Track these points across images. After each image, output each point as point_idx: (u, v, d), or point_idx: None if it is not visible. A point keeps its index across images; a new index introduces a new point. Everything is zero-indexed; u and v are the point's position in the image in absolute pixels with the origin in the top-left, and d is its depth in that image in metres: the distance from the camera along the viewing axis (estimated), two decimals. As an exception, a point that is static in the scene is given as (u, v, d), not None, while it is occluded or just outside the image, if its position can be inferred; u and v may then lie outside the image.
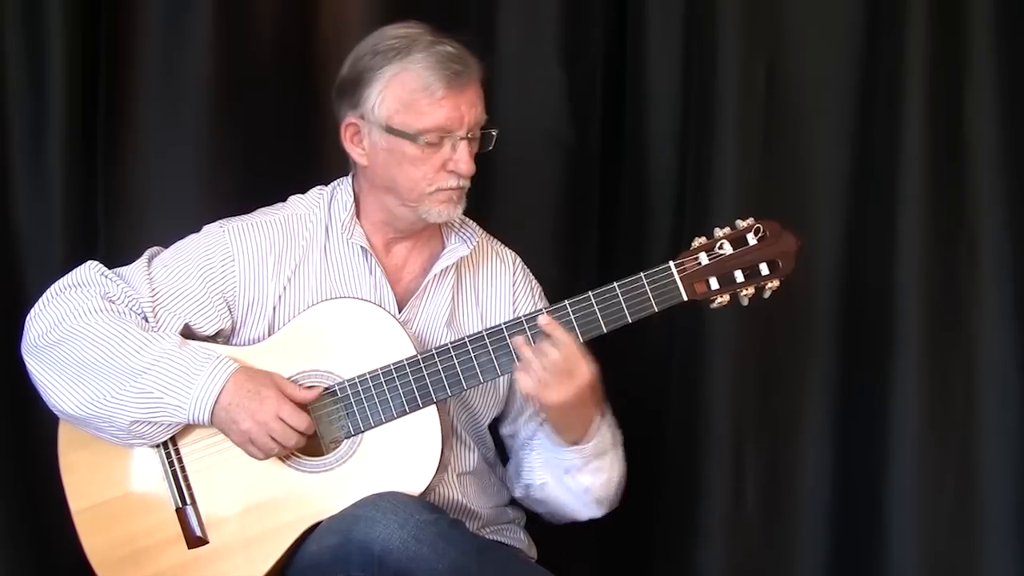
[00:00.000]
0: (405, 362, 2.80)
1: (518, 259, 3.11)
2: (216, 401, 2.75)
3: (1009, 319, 3.43)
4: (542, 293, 3.11)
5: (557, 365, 2.75)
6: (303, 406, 2.78)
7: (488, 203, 3.47)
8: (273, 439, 2.76)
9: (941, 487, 3.43)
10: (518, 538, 3.09)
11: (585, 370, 2.77)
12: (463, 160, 2.83)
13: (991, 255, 3.43)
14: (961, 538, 3.44)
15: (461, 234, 3.02)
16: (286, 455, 2.81)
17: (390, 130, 2.84)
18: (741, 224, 2.82)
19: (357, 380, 2.81)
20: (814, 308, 3.49)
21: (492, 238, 3.11)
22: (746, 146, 3.44)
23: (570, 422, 2.84)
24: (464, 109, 2.82)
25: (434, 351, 2.81)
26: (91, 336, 2.79)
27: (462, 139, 2.83)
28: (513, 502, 3.11)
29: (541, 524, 3.14)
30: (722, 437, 3.46)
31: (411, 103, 2.82)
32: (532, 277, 3.11)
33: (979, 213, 3.43)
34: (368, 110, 2.86)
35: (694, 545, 3.46)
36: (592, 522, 3.24)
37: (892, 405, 3.41)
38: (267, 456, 2.79)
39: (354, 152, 2.92)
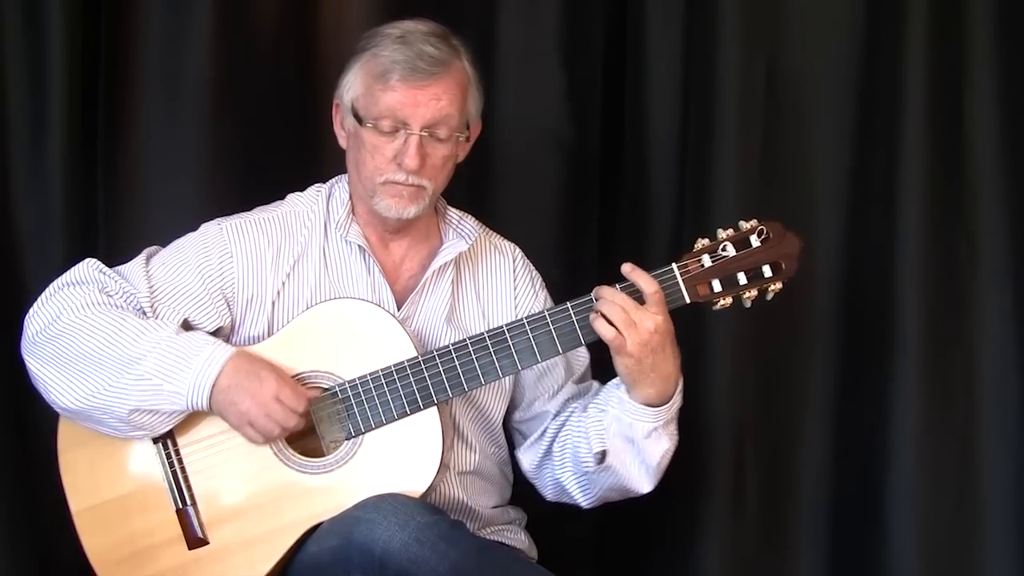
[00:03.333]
0: (406, 363, 2.80)
1: (518, 250, 3.10)
2: (214, 383, 2.74)
3: (1009, 319, 3.44)
4: (543, 284, 3.11)
5: (635, 308, 2.74)
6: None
7: (488, 203, 3.48)
8: (272, 420, 2.75)
9: (941, 487, 3.44)
10: (519, 538, 3.08)
11: (662, 319, 2.76)
12: (408, 154, 2.81)
13: (991, 255, 3.44)
14: (961, 538, 3.45)
15: (459, 230, 3.01)
16: (285, 455, 2.81)
17: (354, 113, 2.86)
18: (744, 225, 2.81)
19: (358, 381, 2.80)
20: (814, 307, 3.49)
21: (491, 232, 3.10)
22: (746, 146, 3.45)
23: (658, 372, 2.80)
24: (422, 101, 2.81)
25: (435, 352, 2.80)
26: (88, 328, 2.79)
27: (412, 134, 2.81)
28: (514, 502, 3.11)
29: (542, 525, 3.14)
30: (722, 437, 3.47)
31: (369, 87, 2.84)
32: (532, 268, 3.11)
33: (979, 213, 3.45)
34: (343, 93, 2.90)
35: (694, 545, 3.46)
36: (592, 522, 3.25)
37: (892, 405, 3.42)
38: (266, 440, 2.78)
39: (338, 134, 2.95)
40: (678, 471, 3.35)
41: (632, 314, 2.74)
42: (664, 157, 3.54)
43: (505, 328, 2.81)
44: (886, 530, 3.42)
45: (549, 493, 3.07)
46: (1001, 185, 3.43)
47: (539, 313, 2.81)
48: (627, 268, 2.78)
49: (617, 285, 2.79)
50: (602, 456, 2.90)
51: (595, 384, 3.05)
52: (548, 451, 3.02)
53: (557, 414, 3.03)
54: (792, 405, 3.52)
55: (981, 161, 3.43)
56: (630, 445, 2.87)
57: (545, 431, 3.03)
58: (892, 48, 3.42)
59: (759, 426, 3.49)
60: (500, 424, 3.06)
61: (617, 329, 2.74)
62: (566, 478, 2.99)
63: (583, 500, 3.00)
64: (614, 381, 2.91)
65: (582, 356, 3.07)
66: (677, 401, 2.88)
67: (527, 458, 3.04)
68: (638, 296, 2.77)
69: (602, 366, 2.96)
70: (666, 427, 2.88)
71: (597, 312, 2.77)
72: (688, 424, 3.30)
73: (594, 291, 2.80)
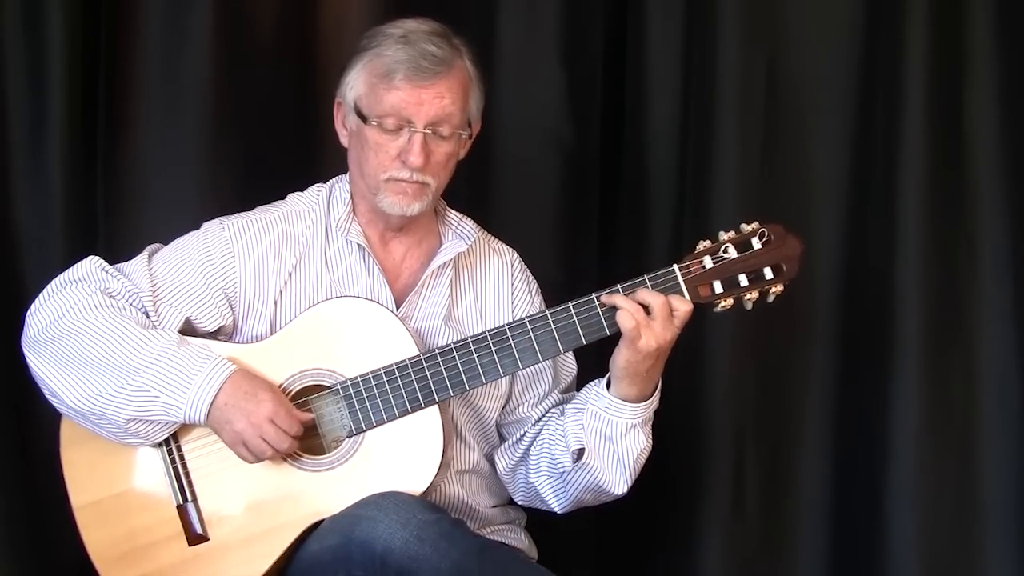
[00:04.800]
0: (408, 361, 2.79)
1: (516, 255, 3.11)
2: (213, 402, 2.75)
3: (1009, 319, 3.44)
4: (539, 290, 3.11)
5: (660, 309, 2.75)
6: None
7: (488, 203, 3.49)
8: (265, 442, 2.76)
9: (941, 487, 3.44)
10: (519, 538, 3.08)
11: (678, 333, 2.79)
12: (413, 152, 2.82)
13: (991, 255, 3.44)
14: (961, 538, 3.45)
15: (458, 231, 3.02)
16: (287, 454, 2.81)
17: (357, 112, 2.87)
18: (746, 228, 2.81)
19: (360, 379, 2.80)
20: (814, 307, 3.49)
21: (489, 235, 3.10)
22: (746, 146, 3.45)
23: (649, 374, 2.82)
24: (426, 100, 2.82)
25: (436, 351, 2.80)
26: (91, 332, 2.79)
27: (416, 132, 2.82)
28: (513, 502, 3.11)
29: (542, 525, 3.14)
30: (722, 437, 3.47)
31: (373, 86, 2.84)
32: (529, 274, 3.11)
33: (979, 213, 3.45)
34: (346, 91, 2.91)
35: (694, 545, 3.47)
36: (592, 522, 3.24)
37: (892, 405, 3.42)
38: (257, 459, 2.79)
39: (340, 132, 2.96)
40: (678, 470, 3.37)
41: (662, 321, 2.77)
42: (664, 157, 3.54)
43: (507, 327, 2.81)
44: (886, 530, 3.42)
45: (520, 497, 3.07)
46: (1001, 185, 3.43)
47: (540, 312, 2.82)
48: (673, 298, 2.78)
49: (619, 286, 2.79)
50: (579, 454, 2.90)
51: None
52: (524, 455, 3.02)
53: (537, 420, 3.03)
54: (792, 404, 3.52)
55: (981, 161, 3.43)
56: (607, 443, 2.88)
57: (524, 436, 3.03)
58: (892, 48, 3.43)
59: (759, 425, 3.50)
60: (493, 424, 3.05)
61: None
62: (540, 482, 2.99)
63: (556, 504, 3.00)
64: (593, 382, 2.93)
65: (570, 367, 3.08)
66: (655, 401, 2.89)
67: (502, 460, 3.05)
68: None
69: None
70: (643, 425, 2.88)
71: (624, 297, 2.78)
72: (688, 423, 3.32)
73: (623, 288, 2.79)
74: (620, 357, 2.79)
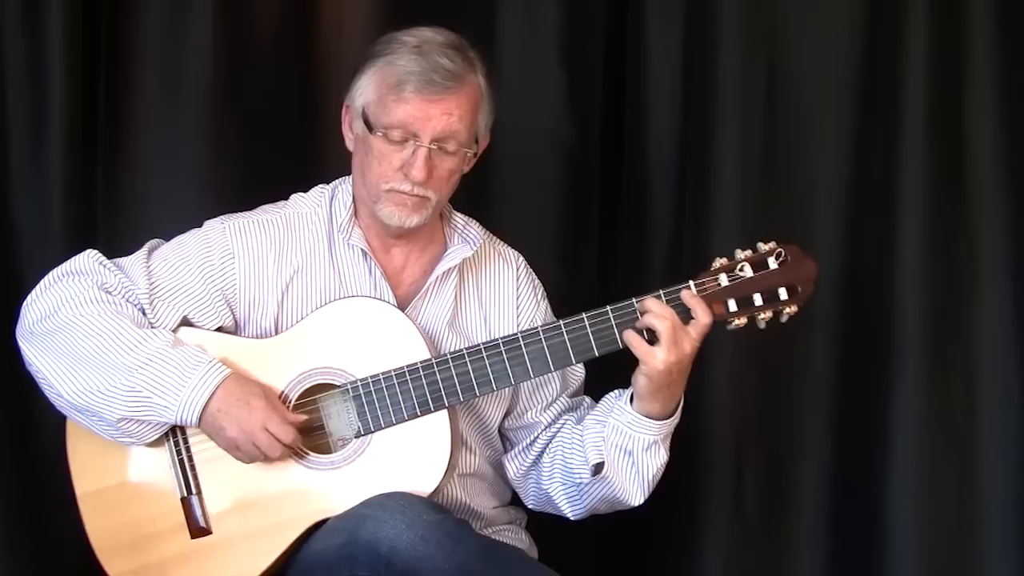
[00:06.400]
0: (419, 365, 2.79)
1: (521, 258, 3.10)
2: (205, 406, 2.74)
3: (1009, 319, 3.45)
4: (544, 293, 3.10)
5: (681, 327, 2.76)
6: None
7: (488, 203, 3.48)
8: (258, 448, 2.76)
9: (941, 487, 3.44)
10: (519, 538, 3.08)
11: (697, 345, 2.79)
12: (415, 166, 2.80)
13: (991, 255, 3.44)
14: (961, 538, 3.45)
15: (464, 235, 3.01)
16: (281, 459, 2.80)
17: (364, 119, 2.85)
18: (762, 247, 2.81)
19: (370, 380, 2.80)
20: (814, 308, 3.47)
21: (495, 238, 3.09)
22: (746, 146, 3.45)
23: (671, 391, 2.83)
24: (434, 115, 2.80)
25: (448, 355, 2.80)
26: (86, 328, 2.79)
27: (421, 146, 2.80)
28: (514, 502, 3.11)
29: (542, 525, 3.14)
30: (722, 437, 3.47)
31: (382, 96, 2.83)
32: (535, 277, 3.10)
33: (979, 213, 3.45)
34: (355, 97, 2.89)
35: (694, 545, 3.47)
36: (592, 522, 3.24)
37: (892, 405, 3.42)
38: (252, 462, 2.79)
39: (346, 136, 2.94)
40: (679, 471, 3.35)
41: (677, 332, 2.76)
42: (664, 157, 3.54)
43: (520, 335, 2.81)
44: (886, 530, 3.43)
45: (531, 501, 3.07)
46: (1001, 185, 3.44)
47: (554, 323, 2.82)
48: (687, 295, 2.78)
49: (634, 300, 2.79)
50: (598, 467, 2.90)
51: (587, 399, 3.06)
52: (537, 460, 3.02)
53: (549, 425, 3.03)
54: (792, 405, 3.52)
55: (981, 161, 3.44)
56: (627, 457, 2.88)
57: (535, 440, 3.03)
58: (892, 48, 3.43)
59: (760, 426, 3.50)
60: (496, 429, 3.05)
61: (653, 342, 2.75)
62: (554, 489, 2.99)
63: (570, 511, 3.00)
64: (614, 393, 2.93)
65: (579, 371, 3.07)
66: (677, 418, 2.90)
67: (513, 465, 3.05)
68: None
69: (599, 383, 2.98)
70: (664, 441, 2.89)
71: (642, 317, 2.77)
72: (690, 424, 3.30)
73: (637, 303, 2.79)
74: (640, 377, 2.80)
